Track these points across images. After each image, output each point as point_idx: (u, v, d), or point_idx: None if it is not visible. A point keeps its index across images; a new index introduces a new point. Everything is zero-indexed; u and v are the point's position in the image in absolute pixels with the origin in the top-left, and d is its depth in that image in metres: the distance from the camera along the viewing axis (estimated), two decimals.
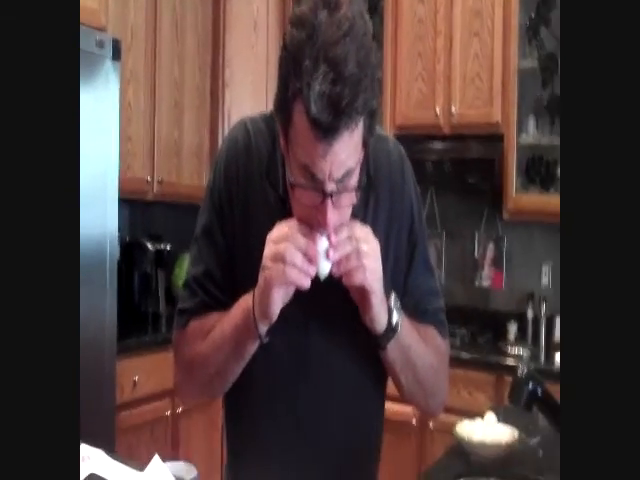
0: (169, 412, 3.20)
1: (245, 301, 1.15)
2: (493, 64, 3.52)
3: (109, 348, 2.84)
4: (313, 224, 1.08)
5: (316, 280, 1.08)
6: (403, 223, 1.28)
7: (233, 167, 1.25)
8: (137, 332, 3.24)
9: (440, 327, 1.33)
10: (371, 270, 1.10)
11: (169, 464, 1.10)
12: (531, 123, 3.57)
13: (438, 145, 3.68)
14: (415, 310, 1.27)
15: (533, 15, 3.51)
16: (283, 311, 1.12)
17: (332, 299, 1.17)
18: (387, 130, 3.74)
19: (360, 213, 1.20)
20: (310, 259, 1.06)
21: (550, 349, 3.40)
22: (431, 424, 3.21)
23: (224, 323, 1.19)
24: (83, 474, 0.85)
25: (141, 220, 3.82)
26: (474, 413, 1.77)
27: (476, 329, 3.67)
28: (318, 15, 0.99)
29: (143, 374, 3.08)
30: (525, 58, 3.53)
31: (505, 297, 3.84)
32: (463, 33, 3.59)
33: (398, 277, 1.28)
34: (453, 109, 3.61)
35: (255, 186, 1.23)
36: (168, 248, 3.65)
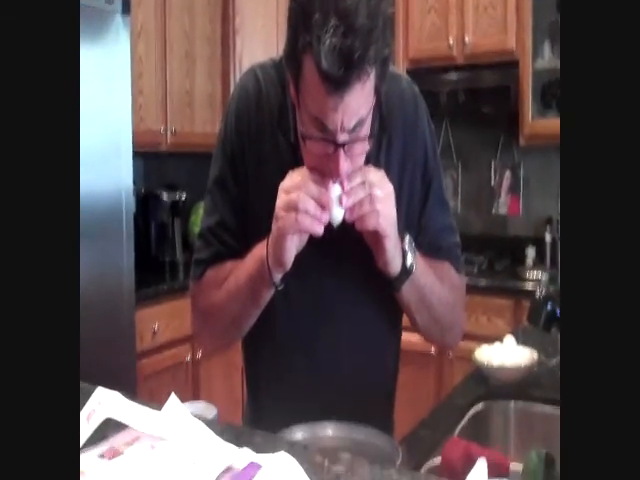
0: (189, 357, 3.27)
1: (259, 250, 1.16)
2: None
3: (128, 298, 2.89)
4: (325, 172, 1.07)
5: (329, 226, 1.08)
6: (417, 162, 1.27)
7: (244, 117, 1.24)
8: (155, 281, 3.28)
9: (455, 262, 1.33)
10: (385, 214, 1.10)
11: (189, 404, 1.12)
12: (546, 48, 3.53)
13: (452, 76, 3.65)
14: (430, 247, 1.28)
15: None
16: (298, 258, 1.12)
17: (346, 244, 1.17)
18: (400, 64, 3.72)
19: (373, 155, 1.18)
20: (323, 206, 1.06)
21: None
22: (450, 352, 3.26)
23: (239, 272, 1.21)
24: (100, 419, 0.87)
25: (156, 171, 3.84)
26: (493, 339, 1.80)
27: (494, 256, 3.70)
28: None
29: (162, 322, 3.14)
30: None
31: (522, 223, 3.86)
32: None
33: (413, 216, 1.28)
34: (467, 39, 3.57)
35: (266, 135, 1.23)
36: (183, 197, 3.67)
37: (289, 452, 0.87)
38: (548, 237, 3.63)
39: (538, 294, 1.71)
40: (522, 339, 1.79)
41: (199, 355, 3.29)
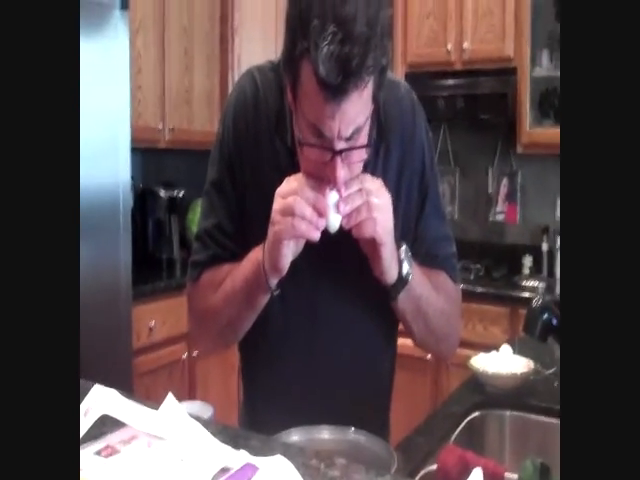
0: (185, 355, 3.27)
1: (255, 254, 1.16)
2: None
3: (125, 295, 2.89)
4: (322, 178, 1.07)
5: (326, 233, 1.07)
6: (414, 170, 1.27)
7: (241, 120, 1.24)
8: (152, 278, 3.27)
9: (451, 272, 1.32)
10: (381, 222, 1.09)
11: (186, 404, 1.12)
12: (544, 56, 3.54)
13: (450, 81, 3.65)
14: (426, 256, 1.27)
15: None
16: (294, 263, 1.12)
17: (343, 251, 1.17)
18: (398, 69, 3.73)
19: (371, 163, 1.18)
20: (319, 212, 1.05)
21: None
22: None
23: (235, 276, 1.20)
24: (96, 415, 0.87)
25: (154, 168, 3.83)
26: (489, 346, 1.80)
27: (491, 263, 3.70)
28: None
29: (159, 319, 3.13)
30: None
31: (519, 231, 3.86)
32: None
33: (409, 225, 1.27)
34: (465, 45, 3.58)
35: (264, 138, 1.22)
36: (181, 194, 3.68)
37: (285, 455, 0.87)
38: (545, 246, 3.64)
39: (534, 304, 1.70)
40: (518, 349, 1.79)
41: (195, 353, 3.29)
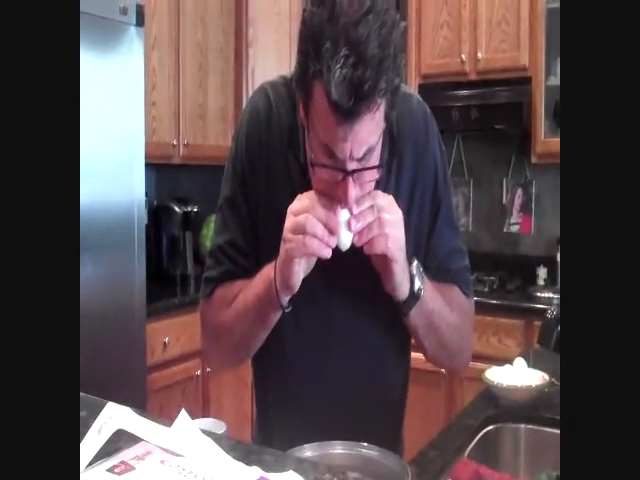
0: (199, 372, 3.26)
1: (267, 271, 1.16)
2: (520, 6, 3.49)
3: (139, 311, 2.89)
4: (334, 197, 1.07)
5: (337, 249, 1.07)
6: (427, 183, 1.27)
7: (255, 136, 1.24)
8: (166, 294, 3.27)
9: (464, 286, 1.32)
10: (393, 239, 1.09)
11: (199, 421, 1.12)
12: (559, 65, 3.53)
13: (464, 92, 3.65)
14: (438, 270, 1.27)
15: None
16: (306, 279, 1.12)
17: (354, 267, 1.16)
18: (412, 79, 3.73)
19: (384, 177, 1.18)
20: (331, 230, 1.05)
21: None
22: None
23: (247, 292, 1.21)
24: (111, 430, 0.87)
25: (168, 183, 3.85)
26: (504, 360, 1.79)
27: (505, 275, 3.69)
28: None
29: (173, 335, 3.14)
30: None
31: (534, 242, 3.85)
32: None
33: (421, 239, 1.27)
34: (479, 55, 3.58)
35: (277, 155, 1.23)
36: (195, 210, 3.67)
37: (298, 470, 0.88)
38: (559, 257, 3.61)
39: (549, 315, 1.70)
40: (533, 362, 1.78)
41: (209, 370, 3.28)
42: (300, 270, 1.10)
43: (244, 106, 1.32)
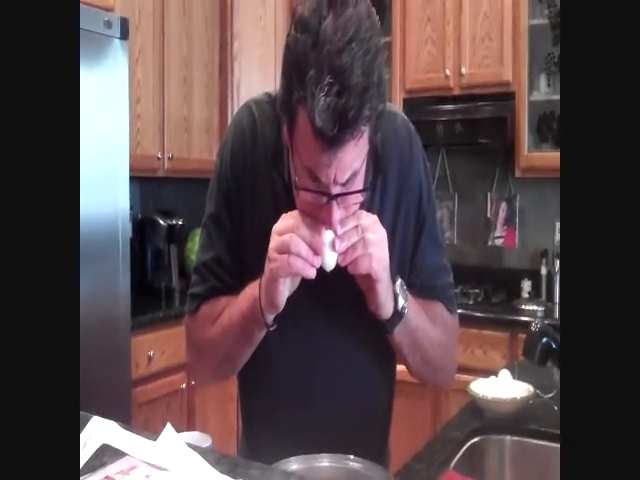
0: (184, 385, 3.25)
1: (252, 289, 1.16)
2: (503, 23, 3.52)
3: (123, 325, 2.88)
4: (319, 218, 1.07)
5: (322, 268, 1.08)
6: (411, 201, 1.27)
7: (239, 154, 1.24)
8: (151, 308, 3.25)
9: (448, 303, 1.32)
10: (377, 259, 1.09)
11: (184, 434, 1.12)
12: (542, 80, 3.57)
13: (448, 106, 3.66)
14: (423, 287, 1.28)
15: None
16: (290, 298, 1.12)
17: (339, 284, 1.16)
18: (397, 94, 3.76)
19: (368, 196, 1.17)
20: (315, 250, 1.06)
21: None
22: None
23: (232, 310, 1.21)
24: (95, 445, 0.86)
25: (152, 196, 3.84)
26: (489, 372, 1.80)
27: (490, 288, 3.69)
28: (322, 20, 0.95)
29: (158, 349, 3.12)
30: (535, 15, 3.52)
31: (518, 255, 3.86)
32: None
33: (406, 256, 1.28)
34: (463, 70, 3.61)
35: (261, 173, 1.23)
36: (180, 223, 3.67)
37: None
38: (544, 269, 3.64)
39: (533, 327, 1.71)
40: (518, 374, 1.79)
41: (194, 383, 3.26)
42: (285, 289, 1.11)
43: (229, 120, 1.32)
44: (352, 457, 1.14)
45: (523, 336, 1.78)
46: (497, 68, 3.55)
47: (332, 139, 0.96)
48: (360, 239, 1.08)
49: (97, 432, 0.88)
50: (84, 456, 0.86)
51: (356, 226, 1.08)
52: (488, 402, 1.64)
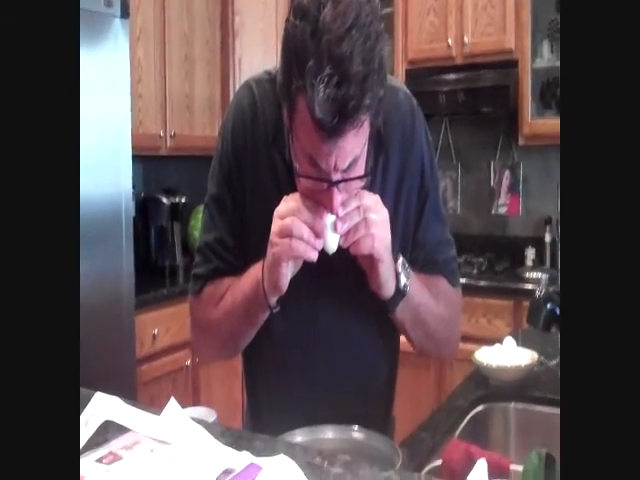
0: (189, 362, 3.26)
1: (255, 271, 1.16)
2: None
3: (128, 303, 2.89)
4: (320, 201, 1.07)
5: (324, 250, 1.08)
6: (414, 176, 1.26)
7: (240, 133, 1.23)
8: (155, 286, 3.25)
9: (451, 276, 1.32)
10: (379, 239, 1.09)
11: (190, 409, 1.13)
12: (545, 47, 3.54)
13: (451, 76, 3.65)
14: (425, 262, 1.28)
15: None
16: (293, 280, 1.13)
17: (340, 265, 1.17)
18: (399, 65, 3.74)
19: (370, 171, 1.15)
20: (317, 233, 1.06)
21: None
22: None
23: (235, 291, 1.21)
24: (99, 422, 0.87)
25: (155, 175, 3.83)
26: (493, 340, 1.80)
27: (494, 256, 3.70)
28: (322, 7, 0.94)
29: (162, 327, 3.13)
30: None
31: (522, 223, 3.86)
32: None
33: (408, 233, 1.27)
34: (466, 39, 3.58)
35: (262, 152, 1.22)
36: (183, 201, 3.66)
37: (289, 454, 0.88)
38: (548, 237, 3.64)
39: (537, 294, 1.71)
40: (522, 341, 1.79)
41: (198, 361, 3.27)
42: (288, 272, 1.11)
43: (231, 96, 1.31)
44: (356, 428, 1.15)
45: (527, 304, 1.78)
46: (500, 36, 3.52)
47: (332, 129, 0.95)
48: (362, 220, 1.08)
49: (100, 409, 0.89)
50: (87, 432, 0.86)
51: (358, 207, 1.08)
52: (492, 370, 1.64)
